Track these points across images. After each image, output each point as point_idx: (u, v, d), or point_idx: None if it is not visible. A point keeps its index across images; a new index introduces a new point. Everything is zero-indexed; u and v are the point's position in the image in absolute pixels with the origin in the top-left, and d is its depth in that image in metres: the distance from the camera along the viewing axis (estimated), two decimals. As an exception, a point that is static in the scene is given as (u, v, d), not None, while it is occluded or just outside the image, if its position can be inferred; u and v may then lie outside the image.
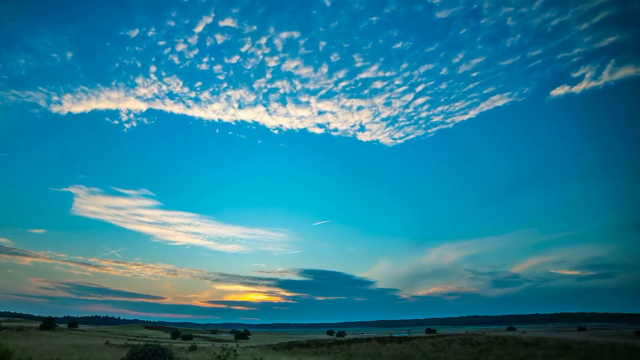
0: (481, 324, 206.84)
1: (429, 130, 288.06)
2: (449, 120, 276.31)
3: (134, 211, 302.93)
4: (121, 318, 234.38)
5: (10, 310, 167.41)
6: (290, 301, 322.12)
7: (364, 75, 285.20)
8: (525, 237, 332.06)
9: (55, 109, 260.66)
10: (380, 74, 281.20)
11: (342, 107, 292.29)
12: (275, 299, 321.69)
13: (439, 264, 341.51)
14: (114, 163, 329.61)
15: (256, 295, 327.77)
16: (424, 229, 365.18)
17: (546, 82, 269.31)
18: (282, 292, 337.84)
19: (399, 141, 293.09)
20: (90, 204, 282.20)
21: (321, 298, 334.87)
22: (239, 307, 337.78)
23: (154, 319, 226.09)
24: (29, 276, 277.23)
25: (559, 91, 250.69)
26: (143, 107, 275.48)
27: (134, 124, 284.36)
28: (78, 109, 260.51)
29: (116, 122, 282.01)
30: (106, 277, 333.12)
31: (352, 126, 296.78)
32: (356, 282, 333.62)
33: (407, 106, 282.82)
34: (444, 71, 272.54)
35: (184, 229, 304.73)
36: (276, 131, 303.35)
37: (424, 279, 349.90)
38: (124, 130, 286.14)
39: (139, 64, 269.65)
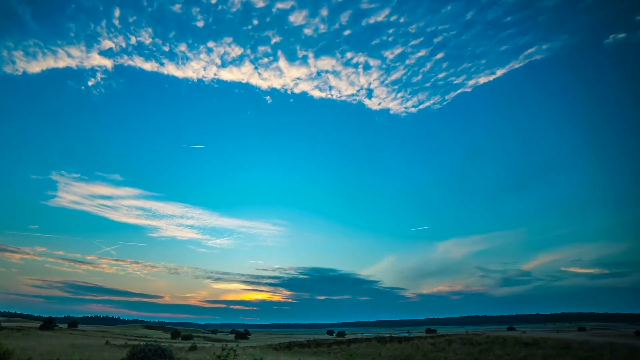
0: (482, 324, 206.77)
1: (446, 96, 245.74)
2: (470, 82, 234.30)
3: (124, 202, 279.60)
4: (121, 318, 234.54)
5: (1, 310, 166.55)
6: (290, 300, 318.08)
7: (372, 19, 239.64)
8: (538, 231, 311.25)
9: (7, 68, 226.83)
10: (393, 18, 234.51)
11: (346, 63, 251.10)
12: (274, 298, 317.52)
13: (447, 260, 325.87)
14: (89, 141, 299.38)
15: (255, 295, 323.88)
16: (434, 222, 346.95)
17: (600, 28, 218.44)
18: (282, 291, 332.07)
19: (411, 110, 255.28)
20: (74, 194, 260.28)
21: (322, 297, 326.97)
22: (238, 307, 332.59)
23: (152, 319, 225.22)
24: (20, 275, 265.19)
25: (616, 38, 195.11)
26: (109, 64, 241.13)
27: (102, 90, 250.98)
28: (34, 68, 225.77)
29: (82, 87, 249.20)
30: (101, 275, 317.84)
31: (358, 91, 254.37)
32: (359, 281, 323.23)
33: (423, 63, 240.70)
34: (469, 15, 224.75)
35: (176, 221, 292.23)
36: (268, 97, 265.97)
37: (431, 276, 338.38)
38: (93, 96, 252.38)
39: (101, 7, 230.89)
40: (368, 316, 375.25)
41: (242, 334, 73.10)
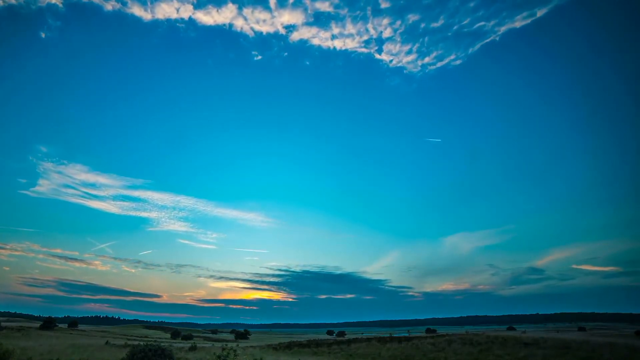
0: (481, 324, 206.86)
1: (470, 49, 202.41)
2: (502, 28, 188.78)
3: (112, 191, 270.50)
4: (120, 318, 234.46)
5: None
6: (290, 299, 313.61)
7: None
8: (551, 225, 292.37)
9: None
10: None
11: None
12: (274, 297, 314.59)
13: (454, 256, 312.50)
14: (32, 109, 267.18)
15: (255, 294, 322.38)
16: (441, 215, 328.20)
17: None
18: (283, 290, 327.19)
19: (430, 67, 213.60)
20: (53, 181, 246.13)
21: (323, 296, 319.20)
22: (237, 306, 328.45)
23: (151, 318, 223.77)
24: (10, 273, 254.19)
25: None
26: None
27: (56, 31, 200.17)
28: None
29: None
30: (95, 274, 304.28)
31: (367, 42, 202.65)
32: (362, 280, 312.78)
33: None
34: None
35: (168, 213, 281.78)
36: (257, 55, 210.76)
37: (437, 274, 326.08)
38: (41, 36, 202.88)
39: None
40: (368, 316, 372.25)
41: (242, 334, 73.11)
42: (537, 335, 36.27)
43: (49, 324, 51.11)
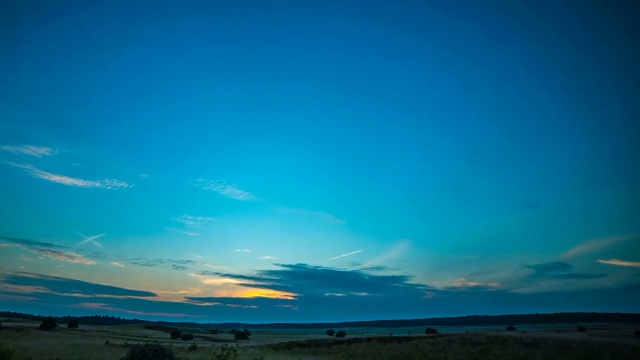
0: (482, 324, 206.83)
1: None
2: None
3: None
4: (120, 318, 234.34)
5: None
6: (290, 297, 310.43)
7: None
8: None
9: None
10: None
11: None
12: (274, 295, 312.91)
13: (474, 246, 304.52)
14: None
15: (254, 292, 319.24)
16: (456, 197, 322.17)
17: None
18: (282, 289, 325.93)
19: None
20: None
21: (327, 294, 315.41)
22: (237, 305, 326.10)
23: (145, 317, 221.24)
24: None
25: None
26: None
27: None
28: None
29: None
30: (84, 270, 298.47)
31: None
32: (364, 278, 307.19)
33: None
34: None
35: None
36: None
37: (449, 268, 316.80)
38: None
39: None
40: (369, 316, 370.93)
41: (242, 333, 73.12)
42: (537, 335, 36.26)
43: (49, 324, 51.10)
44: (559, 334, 44.74)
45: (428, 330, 73.83)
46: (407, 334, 52.17)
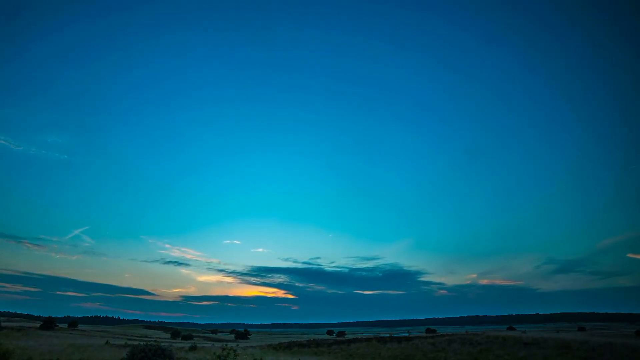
0: (482, 324, 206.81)
1: None
2: None
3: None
4: (121, 318, 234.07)
5: None
6: (289, 296, 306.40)
7: None
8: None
9: None
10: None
11: None
12: (274, 294, 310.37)
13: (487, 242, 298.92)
14: None
15: (254, 292, 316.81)
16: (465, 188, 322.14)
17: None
18: (282, 289, 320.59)
19: None
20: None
21: (331, 291, 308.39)
22: (237, 304, 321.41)
23: (144, 317, 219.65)
24: None
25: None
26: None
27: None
28: None
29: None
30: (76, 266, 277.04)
31: None
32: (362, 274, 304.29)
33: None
34: None
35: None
36: None
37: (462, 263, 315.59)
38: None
39: None
40: (369, 316, 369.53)
41: (242, 333, 73.11)
42: (537, 335, 36.26)
43: (49, 323, 51.10)
44: (559, 334, 44.76)
45: (428, 330, 73.81)
46: (407, 334, 52.18)
